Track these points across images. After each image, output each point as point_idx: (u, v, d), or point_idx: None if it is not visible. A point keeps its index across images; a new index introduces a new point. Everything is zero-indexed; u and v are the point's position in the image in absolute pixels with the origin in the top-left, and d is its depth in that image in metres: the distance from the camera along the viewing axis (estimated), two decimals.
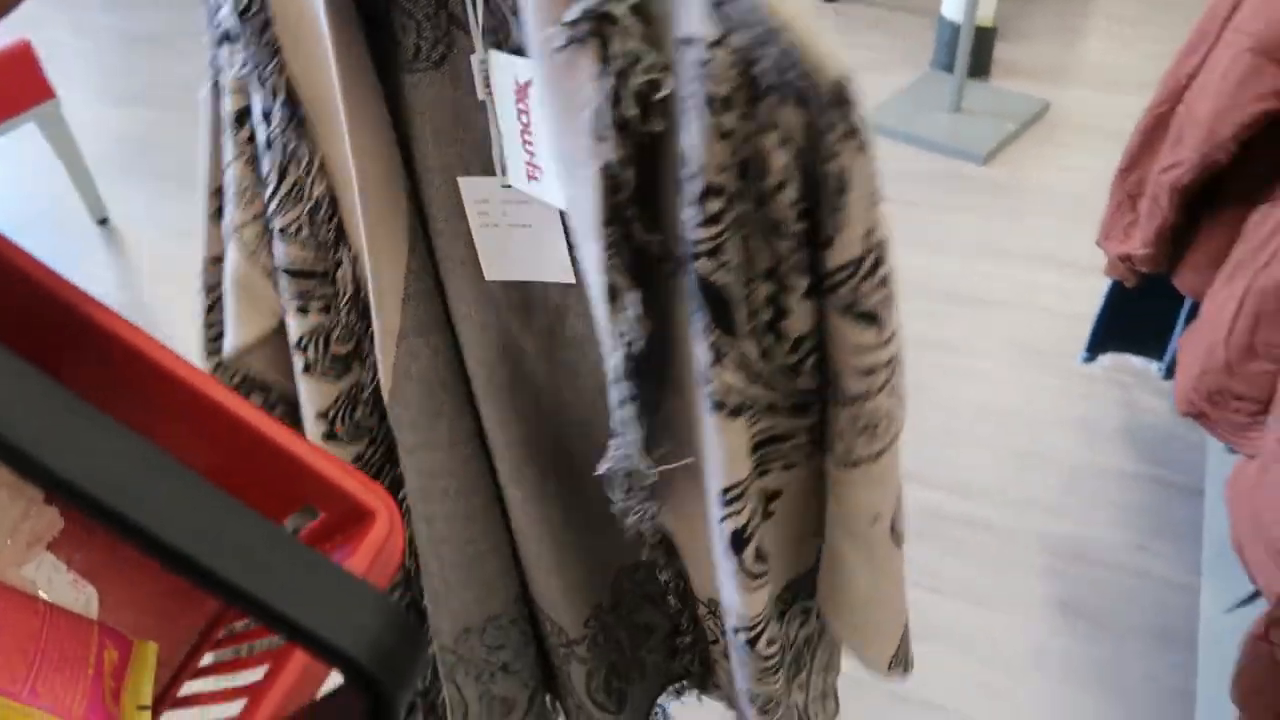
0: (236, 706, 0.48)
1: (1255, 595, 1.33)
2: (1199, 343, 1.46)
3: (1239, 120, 1.43)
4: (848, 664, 0.92)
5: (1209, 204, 1.57)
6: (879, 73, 3.10)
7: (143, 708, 0.51)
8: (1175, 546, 1.78)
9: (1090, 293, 1.90)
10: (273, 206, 0.69)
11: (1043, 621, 1.68)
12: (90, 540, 0.56)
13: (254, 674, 0.51)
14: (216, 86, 0.70)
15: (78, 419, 0.31)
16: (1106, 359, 1.96)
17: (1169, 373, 1.82)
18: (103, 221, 2.79)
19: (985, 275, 2.36)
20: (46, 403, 0.31)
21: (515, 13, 0.60)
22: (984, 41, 2.92)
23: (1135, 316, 1.83)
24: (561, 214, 0.68)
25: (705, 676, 0.96)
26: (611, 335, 0.60)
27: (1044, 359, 2.13)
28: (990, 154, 2.70)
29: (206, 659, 0.57)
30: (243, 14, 0.63)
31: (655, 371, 0.61)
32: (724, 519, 0.66)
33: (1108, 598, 1.70)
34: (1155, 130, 1.65)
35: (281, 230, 0.69)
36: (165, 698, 0.56)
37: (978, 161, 2.69)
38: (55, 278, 0.47)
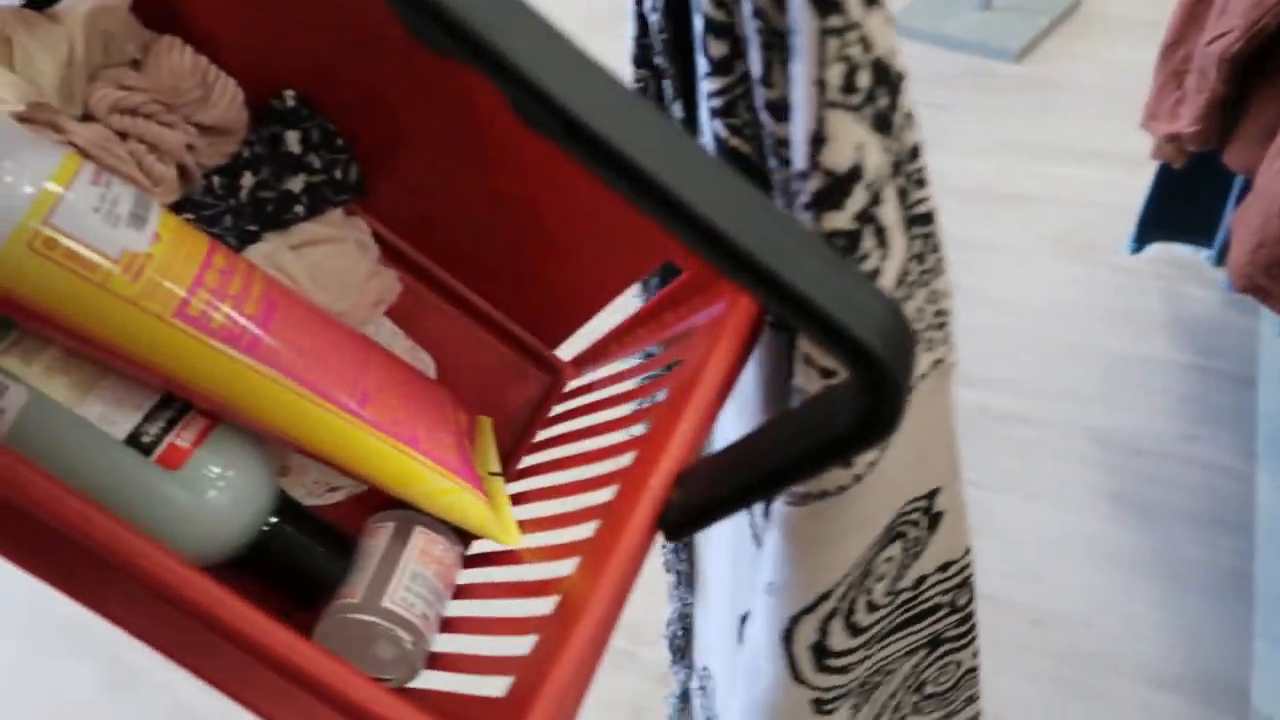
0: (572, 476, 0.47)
1: None
2: (1253, 217, 1.41)
3: None
4: None
5: (1260, 74, 1.51)
6: None
7: (494, 474, 0.49)
8: (1226, 434, 1.74)
9: (1130, 187, 1.85)
10: None
11: (1093, 512, 1.65)
12: (423, 312, 0.55)
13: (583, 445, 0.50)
14: None
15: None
16: (1150, 252, 1.91)
17: (1220, 259, 1.77)
18: None
19: (1023, 173, 2.29)
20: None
21: None
22: None
23: (1184, 203, 1.77)
24: None
25: None
26: None
27: (1086, 254, 2.08)
28: (1023, 51, 2.59)
29: (540, 435, 0.56)
30: None
31: None
32: None
33: (1158, 486, 1.68)
34: (1199, 2, 1.59)
35: None
36: (505, 471, 0.53)
37: (1010, 59, 2.58)
38: None
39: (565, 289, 0.53)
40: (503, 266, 0.53)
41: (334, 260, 0.48)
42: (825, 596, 0.46)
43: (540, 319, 0.56)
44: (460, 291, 0.55)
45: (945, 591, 0.53)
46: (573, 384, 0.56)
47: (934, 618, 0.54)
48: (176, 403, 0.42)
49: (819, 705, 0.50)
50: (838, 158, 0.37)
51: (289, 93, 0.48)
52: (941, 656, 0.57)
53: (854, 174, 0.37)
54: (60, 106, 0.43)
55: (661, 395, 0.47)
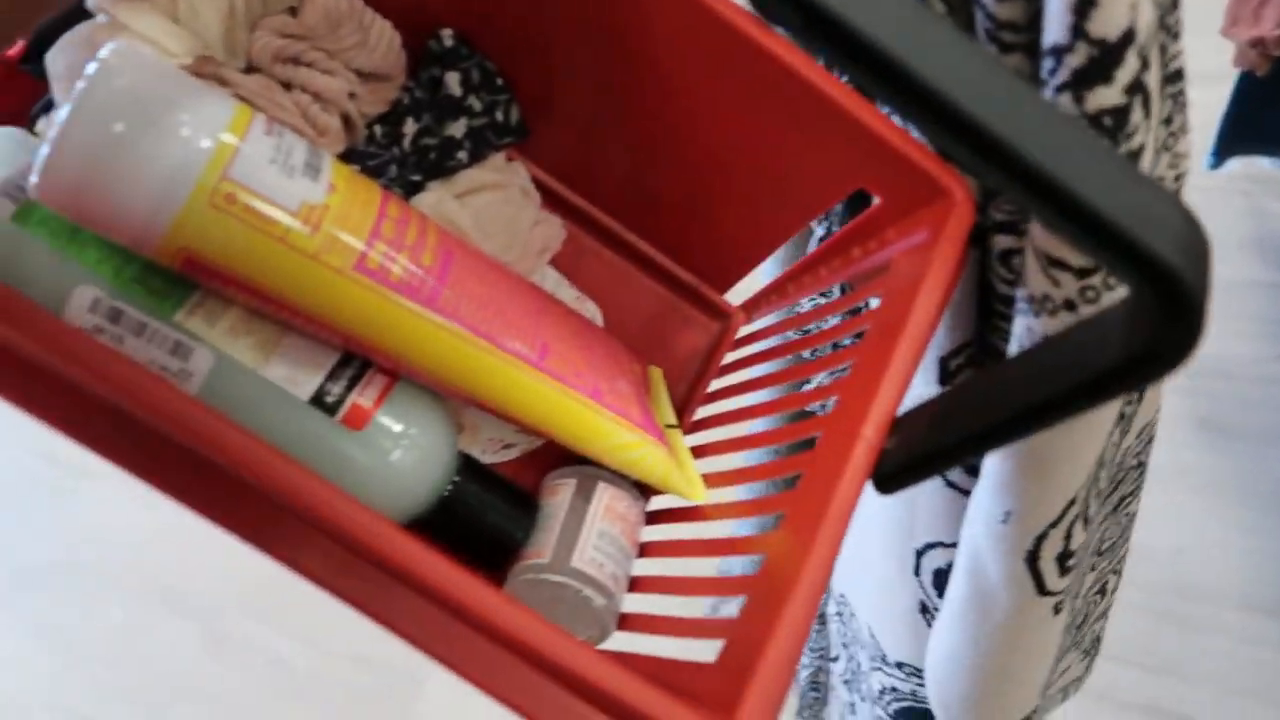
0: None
1: None
2: None
3: None
4: None
5: None
6: None
7: (671, 426, 0.48)
8: None
9: (1205, 103, 1.76)
10: None
11: (1181, 439, 1.60)
12: (583, 260, 0.53)
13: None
14: None
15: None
16: (1229, 168, 1.85)
17: None
18: None
19: None
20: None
21: None
22: None
23: (1267, 112, 1.71)
24: None
25: None
26: None
27: None
28: None
29: (713, 385, 0.53)
30: None
31: None
32: None
33: (1246, 410, 1.63)
34: None
35: None
36: (680, 424, 0.51)
37: None
38: None
39: (734, 229, 0.49)
40: (666, 208, 0.50)
41: (499, 208, 0.46)
42: (1072, 502, 0.43)
43: (708, 262, 0.53)
44: (622, 236, 0.52)
45: (1136, 454, 0.50)
46: (745, 330, 0.54)
47: (1124, 482, 0.51)
48: (356, 361, 0.40)
49: (1057, 608, 0.47)
50: (1110, 22, 0.32)
51: (446, 32, 0.46)
52: (1118, 514, 0.55)
53: (1127, 38, 0.32)
54: (225, 59, 0.41)
55: (849, 340, 0.45)
